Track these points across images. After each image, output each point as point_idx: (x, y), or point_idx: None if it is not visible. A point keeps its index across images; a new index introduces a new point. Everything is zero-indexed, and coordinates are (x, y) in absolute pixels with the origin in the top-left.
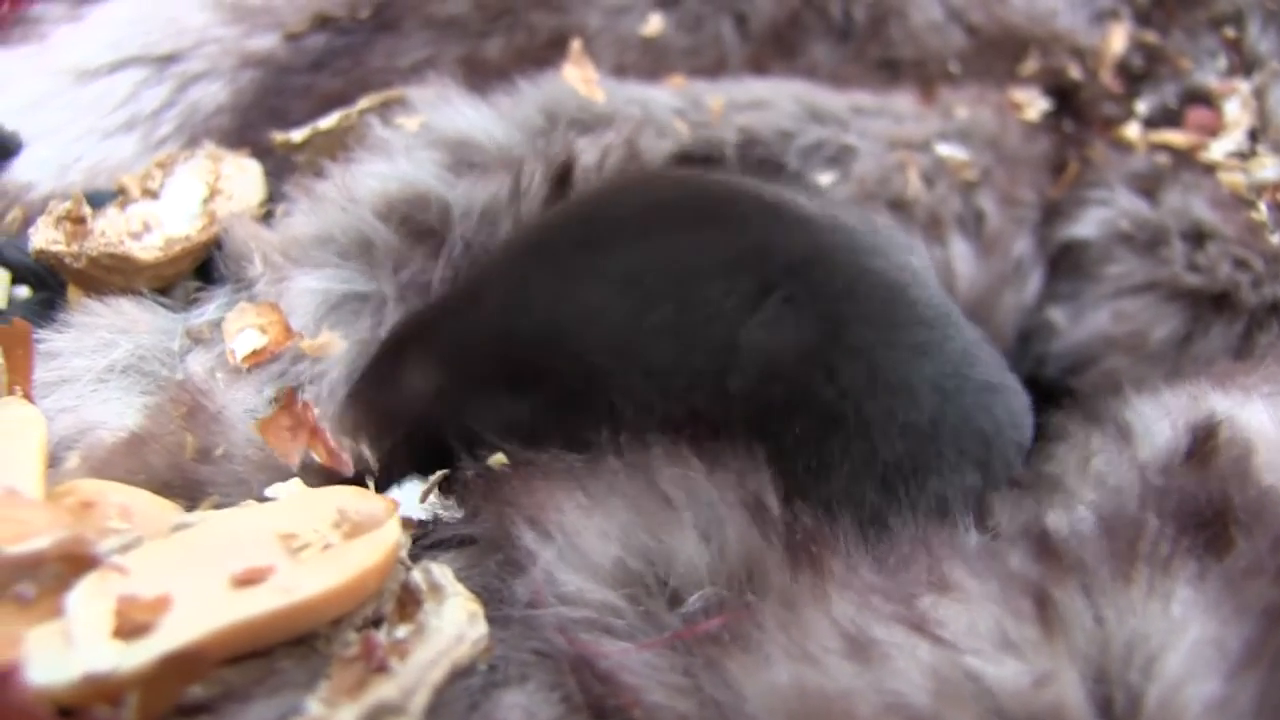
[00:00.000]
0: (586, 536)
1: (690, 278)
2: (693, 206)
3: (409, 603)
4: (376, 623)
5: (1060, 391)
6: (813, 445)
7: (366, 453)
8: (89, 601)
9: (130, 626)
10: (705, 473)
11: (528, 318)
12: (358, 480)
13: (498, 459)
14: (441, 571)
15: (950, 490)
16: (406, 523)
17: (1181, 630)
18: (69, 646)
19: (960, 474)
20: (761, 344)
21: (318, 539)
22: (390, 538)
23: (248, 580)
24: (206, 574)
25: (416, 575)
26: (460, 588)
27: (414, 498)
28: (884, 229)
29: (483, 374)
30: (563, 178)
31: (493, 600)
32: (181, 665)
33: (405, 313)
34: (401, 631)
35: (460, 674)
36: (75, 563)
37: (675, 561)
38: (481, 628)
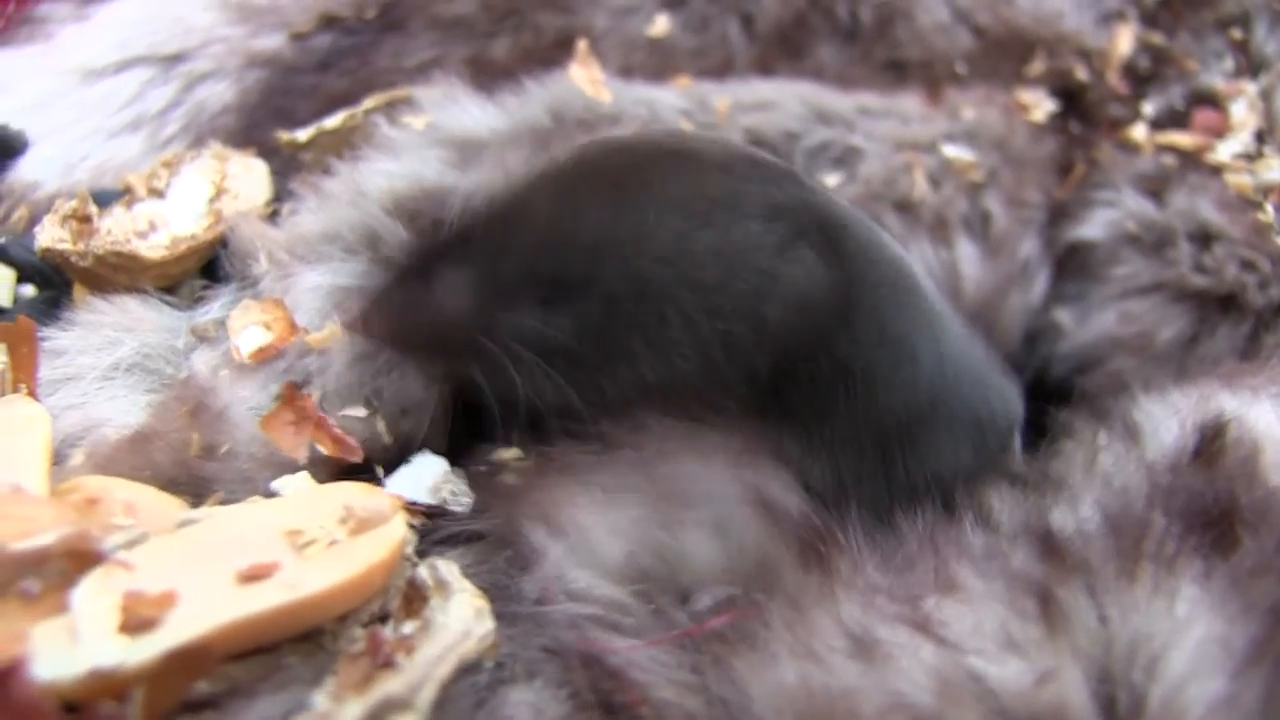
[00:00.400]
0: (597, 532)
1: (734, 212)
2: (732, 158)
3: (415, 599)
4: (383, 619)
5: (1067, 392)
6: (825, 386)
7: (381, 431)
8: (94, 597)
9: (136, 622)
10: (725, 470)
11: (580, 225)
12: (366, 468)
13: (511, 453)
14: (448, 567)
15: (944, 471)
16: (414, 509)
17: (1186, 629)
18: (75, 642)
19: (955, 455)
20: (798, 279)
21: (324, 535)
22: (396, 534)
23: (253, 576)
24: (212, 570)
25: (423, 571)
26: (467, 584)
27: (420, 481)
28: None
29: (526, 283)
30: None
31: (501, 597)
32: (187, 661)
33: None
34: (408, 628)
35: (467, 670)
36: (80, 559)
37: (688, 559)
38: (488, 624)
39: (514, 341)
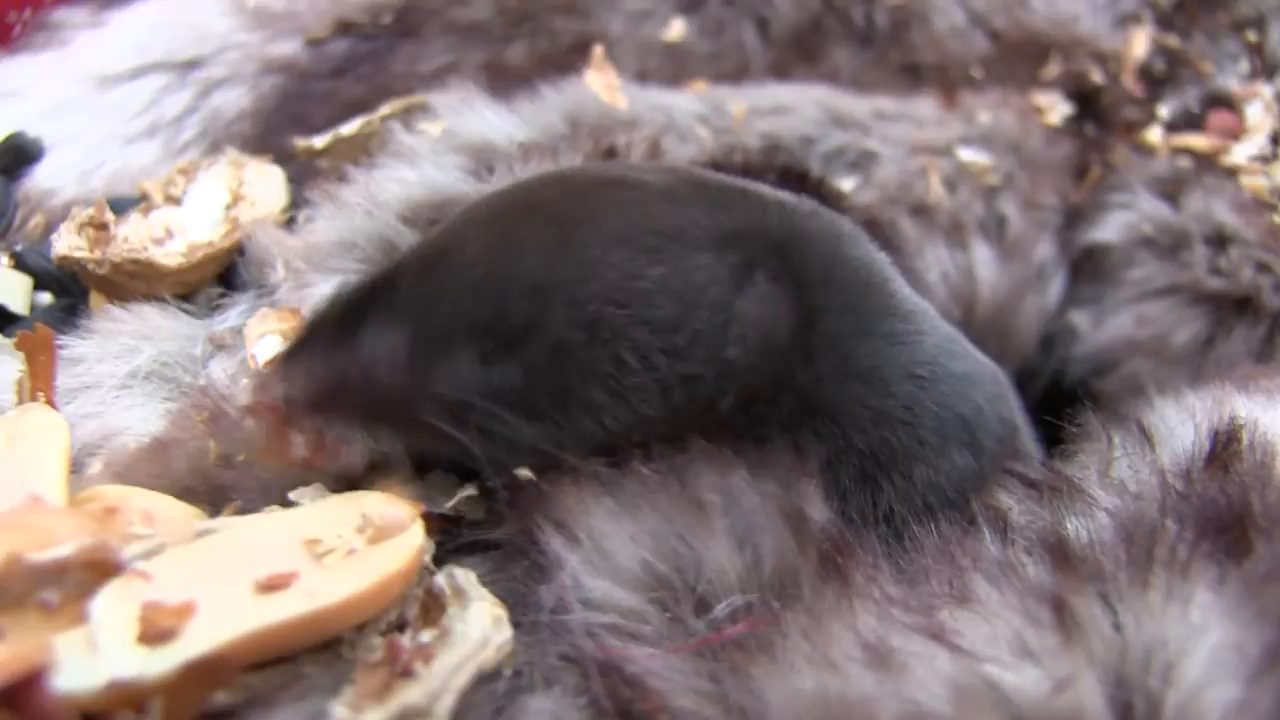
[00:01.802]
0: (614, 541)
1: (683, 243)
2: (677, 184)
3: (433, 607)
4: (400, 627)
5: (1082, 395)
6: (794, 427)
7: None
8: (113, 608)
9: (155, 633)
10: (749, 480)
11: (519, 267)
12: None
13: (523, 472)
14: (465, 576)
15: (941, 476)
16: (430, 519)
17: (1200, 635)
18: (94, 653)
19: (947, 458)
20: (756, 316)
21: (342, 544)
22: (414, 543)
23: (272, 586)
24: (230, 580)
25: (440, 580)
26: (485, 592)
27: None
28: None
29: (463, 333)
30: None
31: (518, 605)
32: (206, 672)
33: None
34: (426, 636)
35: (485, 678)
36: (99, 569)
37: (705, 568)
38: (506, 632)
39: (456, 400)
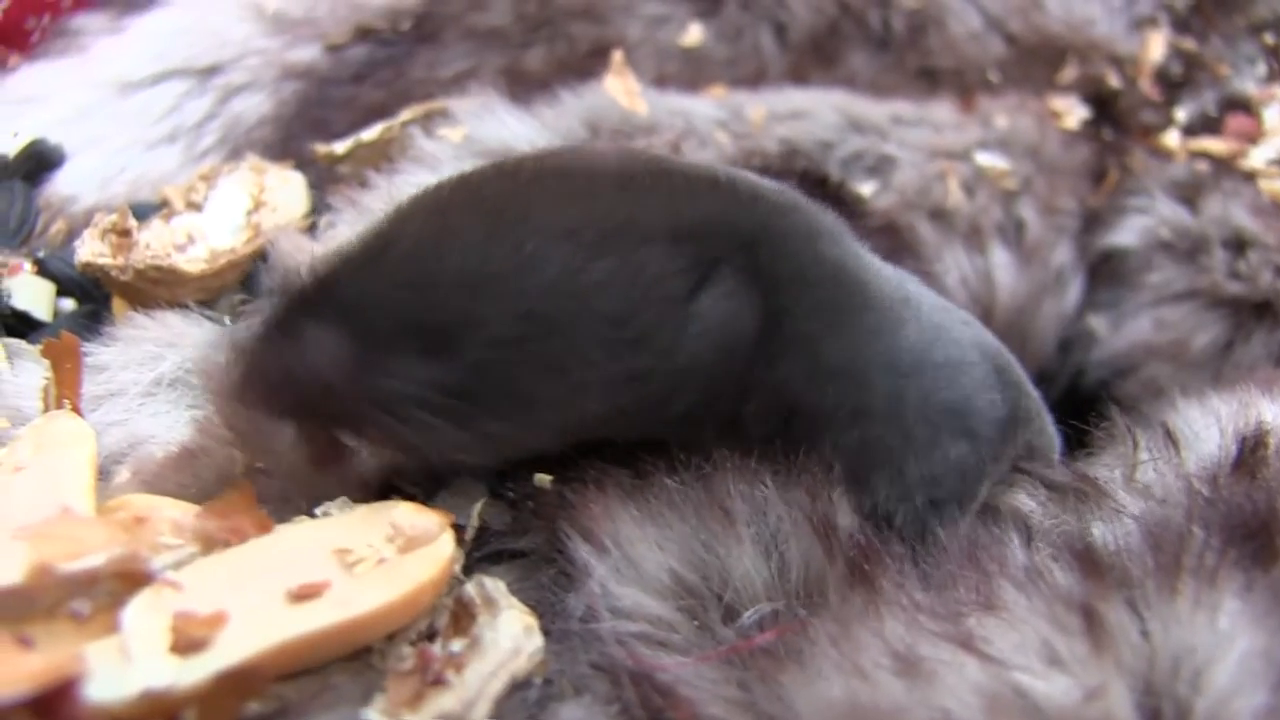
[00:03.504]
0: (641, 549)
1: (633, 235)
2: (635, 172)
3: (463, 616)
4: (431, 636)
5: (1100, 400)
6: (775, 429)
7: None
8: (145, 617)
9: (187, 642)
10: (776, 489)
11: (449, 262)
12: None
13: (541, 478)
14: (495, 585)
15: (936, 468)
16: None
17: (1229, 643)
18: (126, 663)
19: (940, 449)
20: (714, 312)
21: (372, 554)
22: (445, 552)
23: (303, 595)
24: (262, 589)
25: (470, 589)
26: (514, 601)
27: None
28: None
29: (396, 330)
30: None
31: (547, 613)
32: (239, 682)
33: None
34: (456, 645)
35: (517, 687)
36: (129, 579)
37: (732, 575)
38: (537, 640)
39: (396, 399)
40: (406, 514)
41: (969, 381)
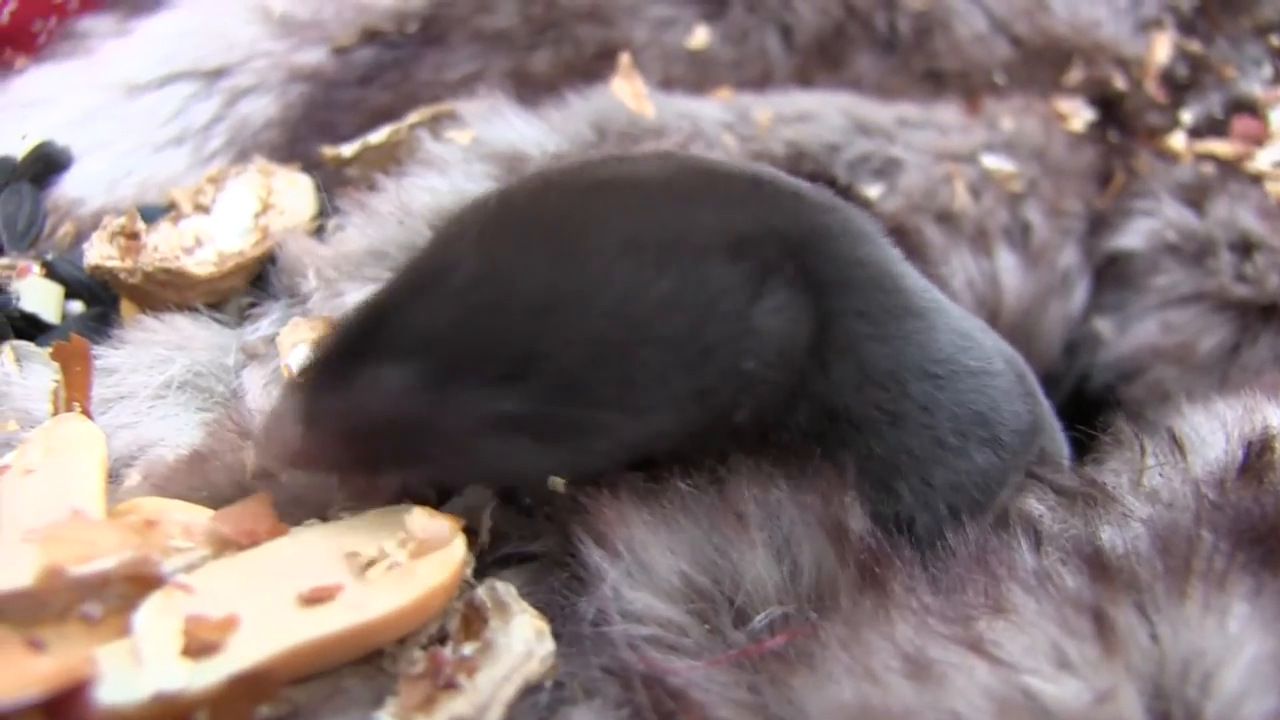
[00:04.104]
0: (653, 552)
1: (692, 251)
2: (680, 177)
3: (474, 620)
4: (442, 640)
5: (1108, 402)
6: (816, 434)
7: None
8: (156, 620)
9: (199, 646)
10: (788, 493)
11: (517, 286)
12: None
13: (555, 481)
14: (506, 589)
15: (962, 477)
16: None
17: (1238, 646)
18: (138, 665)
19: (967, 458)
20: (775, 329)
21: (384, 558)
22: (456, 556)
23: (315, 599)
24: (273, 593)
25: (481, 593)
26: (526, 605)
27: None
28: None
29: (465, 361)
30: None
31: (558, 617)
32: (251, 685)
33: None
34: (468, 649)
35: (528, 690)
36: (141, 583)
37: (744, 579)
38: (549, 645)
39: (467, 433)
40: (419, 518)
41: (996, 390)
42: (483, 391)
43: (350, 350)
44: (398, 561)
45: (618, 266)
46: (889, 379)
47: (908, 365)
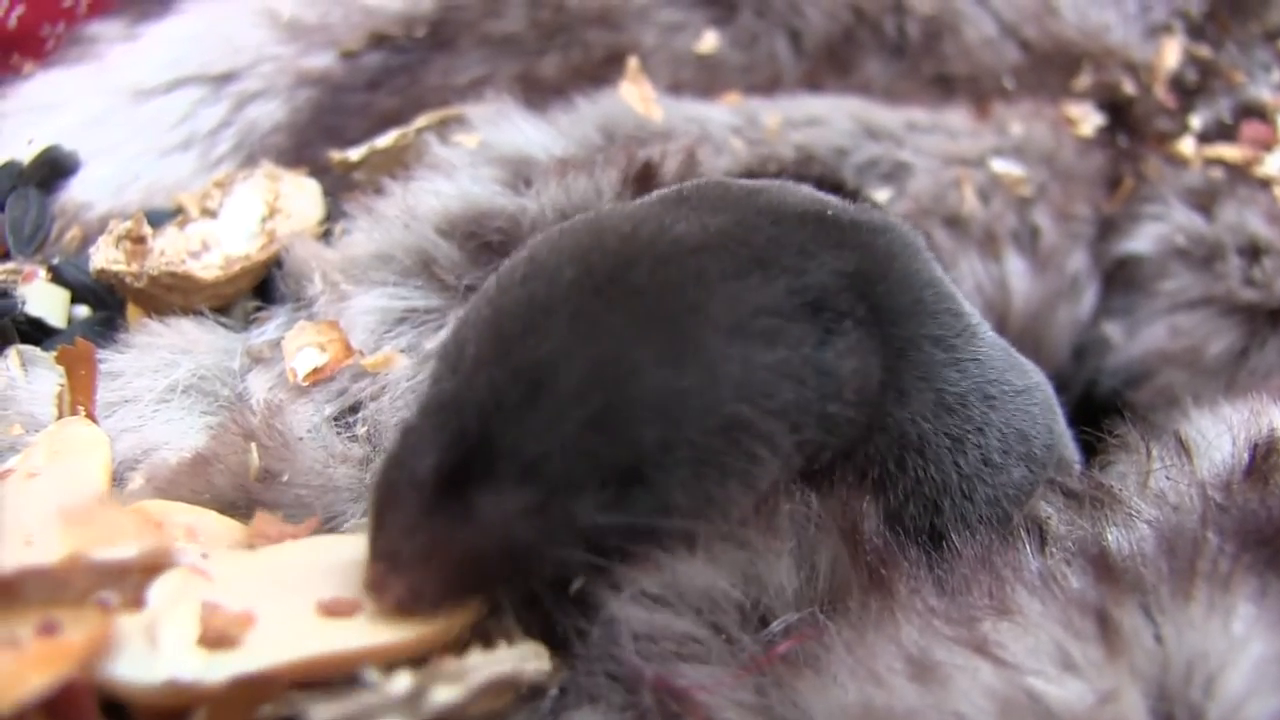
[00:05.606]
0: (664, 558)
1: (784, 318)
2: (745, 231)
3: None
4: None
5: (1114, 407)
6: (881, 462)
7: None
8: (174, 600)
9: (215, 636)
10: (799, 497)
11: (637, 386)
12: None
13: None
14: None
15: (1000, 492)
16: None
17: (1243, 647)
18: (155, 648)
19: (1006, 474)
20: (848, 369)
21: None
22: None
23: (334, 611)
24: (291, 597)
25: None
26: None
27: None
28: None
29: (584, 472)
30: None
31: (564, 623)
32: (259, 687)
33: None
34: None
35: (532, 696)
36: (157, 574)
37: (755, 584)
38: (545, 665)
39: (589, 540)
40: None
41: (1035, 408)
42: (605, 496)
43: (458, 474)
44: None
45: (730, 346)
46: (959, 403)
47: (969, 388)
